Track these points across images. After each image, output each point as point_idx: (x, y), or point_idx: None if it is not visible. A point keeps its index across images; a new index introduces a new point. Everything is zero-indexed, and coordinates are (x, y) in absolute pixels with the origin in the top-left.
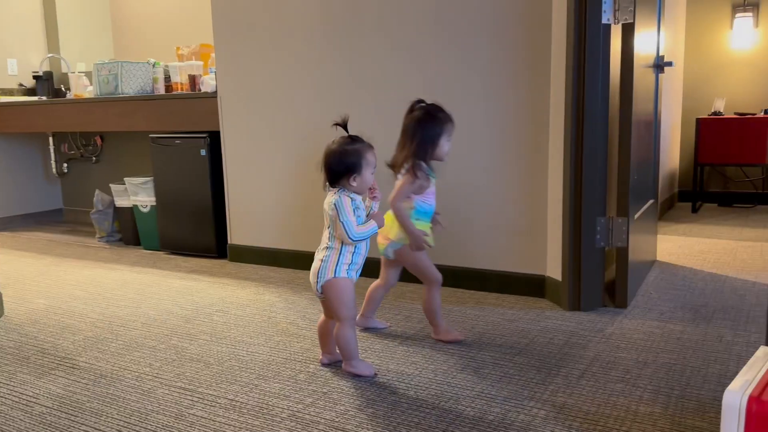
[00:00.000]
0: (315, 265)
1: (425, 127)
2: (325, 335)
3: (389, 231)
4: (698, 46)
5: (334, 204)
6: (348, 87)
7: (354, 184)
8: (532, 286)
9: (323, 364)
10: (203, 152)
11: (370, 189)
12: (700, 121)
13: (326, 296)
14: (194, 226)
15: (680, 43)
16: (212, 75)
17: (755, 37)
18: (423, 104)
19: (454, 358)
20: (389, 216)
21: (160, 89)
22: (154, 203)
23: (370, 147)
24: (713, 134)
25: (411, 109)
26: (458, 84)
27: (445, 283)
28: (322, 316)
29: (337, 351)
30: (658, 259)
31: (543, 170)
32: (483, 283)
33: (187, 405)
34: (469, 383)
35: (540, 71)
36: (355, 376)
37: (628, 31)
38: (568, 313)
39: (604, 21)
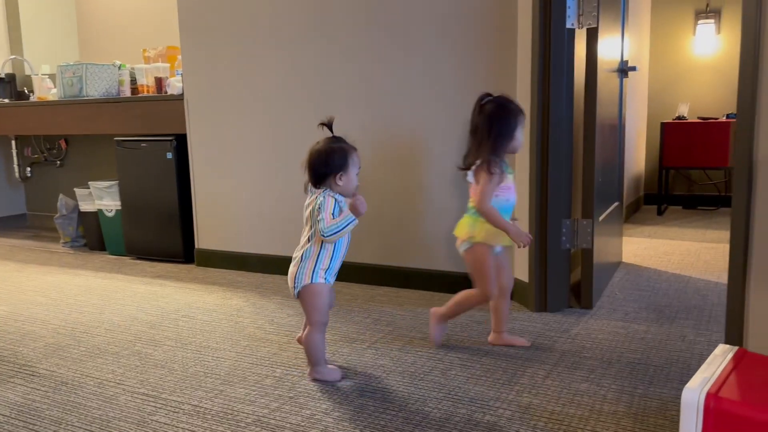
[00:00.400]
0: (292, 269)
1: (501, 120)
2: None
3: (458, 231)
4: (662, 51)
5: (318, 204)
6: (316, 89)
7: (340, 183)
8: None
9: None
10: (169, 155)
11: (354, 195)
12: (664, 126)
13: (301, 301)
14: (161, 231)
15: (645, 48)
16: (179, 77)
17: (717, 43)
18: (491, 97)
19: (422, 360)
20: (465, 217)
21: (126, 92)
22: (120, 207)
23: (355, 149)
24: (677, 138)
25: (481, 104)
26: (425, 86)
27: (415, 285)
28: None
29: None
30: (623, 260)
31: None
32: (452, 285)
33: (150, 411)
34: (436, 385)
35: (506, 75)
36: (321, 382)
37: (592, 36)
38: (535, 314)
39: (568, 25)
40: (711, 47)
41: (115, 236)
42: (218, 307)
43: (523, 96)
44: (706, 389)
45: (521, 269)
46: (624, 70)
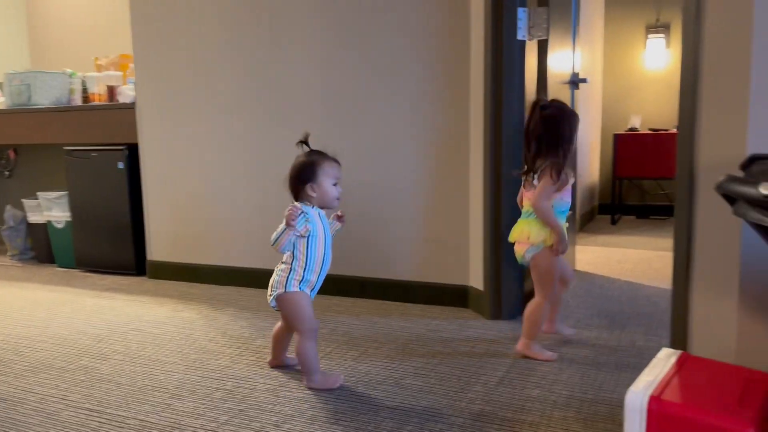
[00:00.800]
0: (272, 278)
1: (564, 125)
2: (278, 342)
3: (527, 235)
4: (615, 64)
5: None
6: (270, 100)
7: (313, 194)
8: (455, 296)
9: (271, 365)
10: (121, 165)
11: (339, 216)
12: (617, 137)
13: (281, 310)
14: (111, 243)
15: (598, 61)
16: (131, 85)
17: (667, 57)
18: (549, 102)
19: (377, 370)
20: (524, 222)
21: (77, 100)
22: (69, 219)
23: (331, 159)
24: (630, 149)
25: (539, 110)
26: (380, 97)
27: (372, 295)
28: (279, 323)
29: (288, 359)
30: (577, 268)
31: (465, 183)
32: (408, 294)
33: (94, 427)
34: (389, 395)
35: (460, 85)
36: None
37: (542, 48)
38: (490, 322)
39: (519, 37)
40: (661, 61)
41: (64, 248)
42: (169, 320)
43: (475, 106)
44: (649, 392)
45: (476, 278)
46: (575, 81)
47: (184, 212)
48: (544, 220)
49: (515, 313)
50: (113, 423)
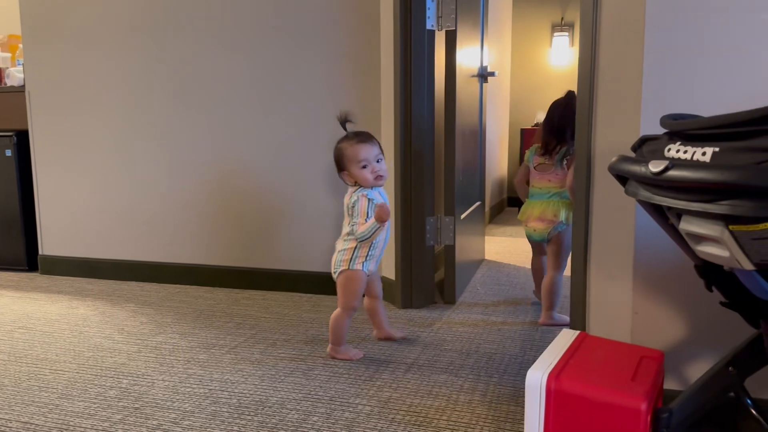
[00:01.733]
0: (333, 257)
1: None
2: (374, 314)
3: (553, 213)
4: (522, 61)
5: (353, 203)
6: (175, 86)
7: (349, 181)
8: None
9: (378, 338)
10: (9, 152)
11: (380, 183)
12: (524, 132)
13: (337, 284)
14: None
15: (506, 58)
16: (20, 67)
17: (571, 55)
18: (574, 93)
19: (284, 362)
20: (550, 202)
21: None
22: None
23: (356, 142)
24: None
25: (567, 101)
26: (291, 86)
27: (284, 287)
28: (366, 298)
29: (388, 329)
30: (486, 258)
31: None
32: (320, 286)
33: None
34: (296, 386)
35: (371, 75)
36: (340, 361)
37: (451, 38)
38: (401, 311)
39: (428, 27)
40: (565, 59)
41: None
42: (62, 317)
43: (386, 96)
44: (548, 372)
45: (388, 268)
46: (483, 75)
47: (79, 203)
48: (574, 199)
49: (427, 301)
50: None
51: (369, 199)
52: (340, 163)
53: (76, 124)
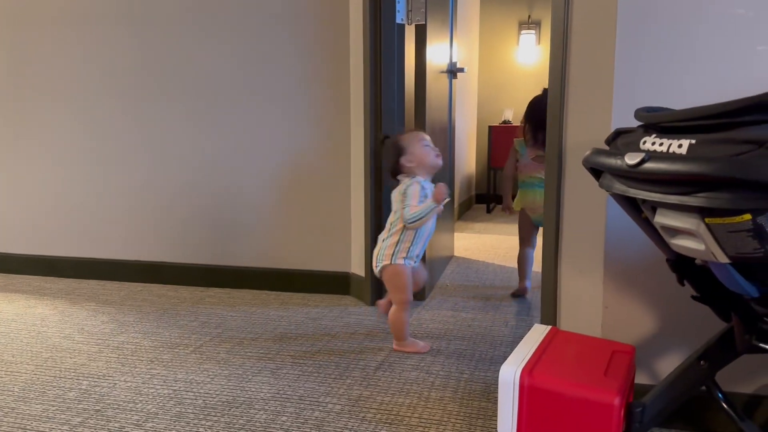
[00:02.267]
0: (375, 251)
1: None
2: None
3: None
4: (490, 59)
5: (404, 190)
6: (132, 80)
7: (411, 164)
8: (337, 283)
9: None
10: None
11: (437, 167)
12: (491, 129)
13: (385, 280)
14: None
15: (475, 55)
16: None
17: (538, 52)
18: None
19: (251, 362)
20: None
21: None
22: None
23: (413, 129)
24: (503, 141)
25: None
26: (258, 79)
27: (251, 285)
28: (387, 295)
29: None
30: (455, 254)
31: (346, 169)
32: (288, 283)
33: None
34: (264, 386)
35: (341, 69)
36: (406, 354)
37: (421, 33)
38: (371, 308)
39: (398, 20)
40: (532, 56)
41: None
42: (18, 317)
43: (356, 89)
44: (521, 367)
45: (358, 264)
46: (453, 71)
47: (37, 198)
48: None
49: None
50: None
51: (422, 186)
52: (399, 149)
53: (33, 115)
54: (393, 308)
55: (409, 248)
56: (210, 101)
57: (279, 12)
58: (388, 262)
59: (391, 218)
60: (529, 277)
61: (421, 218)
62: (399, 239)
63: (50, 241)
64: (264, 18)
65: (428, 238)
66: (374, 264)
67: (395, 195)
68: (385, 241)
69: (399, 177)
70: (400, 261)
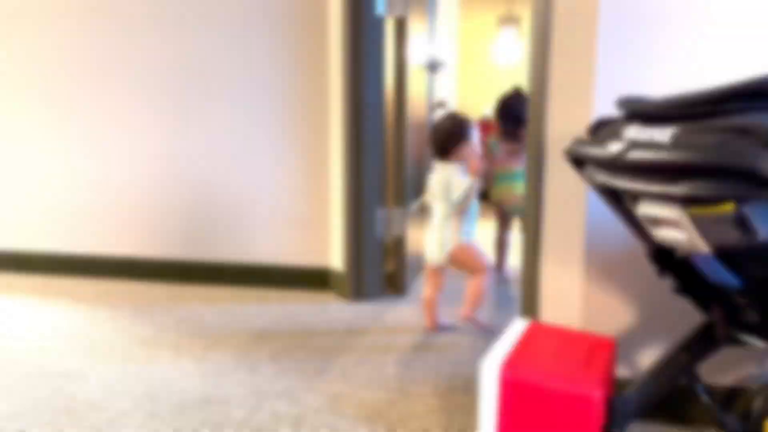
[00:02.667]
0: (433, 237)
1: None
2: (432, 306)
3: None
4: (470, 55)
5: (445, 177)
6: (106, 71)
7: (460, 155)
8: (316, 278)
9: (430, 329)
10: None
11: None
12: None
13: (456, 261)
14: None
15: (454, 51)
16: None
17: (518, 49)
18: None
19: (227, 358)
20: (520, 184)
21: None
22: None
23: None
24: (483, 137)
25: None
26: (235, 72)
27: (228, 281)
28: (428, 290)
29: (443, 321)
30: None
31: (325, 162)
32: (266, 278)
33: None
34: (241, 382)
35: (319, 60)
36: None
37: (401, 26)
38: (351, 304)
39: (377, 11)
40: (512, 52)
41: None
42: None
43: (334, 83)
44: (501, 361)
45: (337, 259)
46: (433, 66)
47: (6, 192)
48: None
49: (377, 293)
50: None
51: (462, 180)
52: (466, 134)
53: (2, 108)
54: (476, 278)
55: (464, 227)
56: (184, 96)
57: (256, 5)
58: (453, 244)
59: (438, 207)
60: (505, 269)
61: (464, 197)
62: (453, 223)
63: (20, 236)
64: (241, 11)
65: (474, 218)
66: (435, 257)
67: (436, 184)
68: (443, 231)
69: (447, 159)
70: (465, 238)
